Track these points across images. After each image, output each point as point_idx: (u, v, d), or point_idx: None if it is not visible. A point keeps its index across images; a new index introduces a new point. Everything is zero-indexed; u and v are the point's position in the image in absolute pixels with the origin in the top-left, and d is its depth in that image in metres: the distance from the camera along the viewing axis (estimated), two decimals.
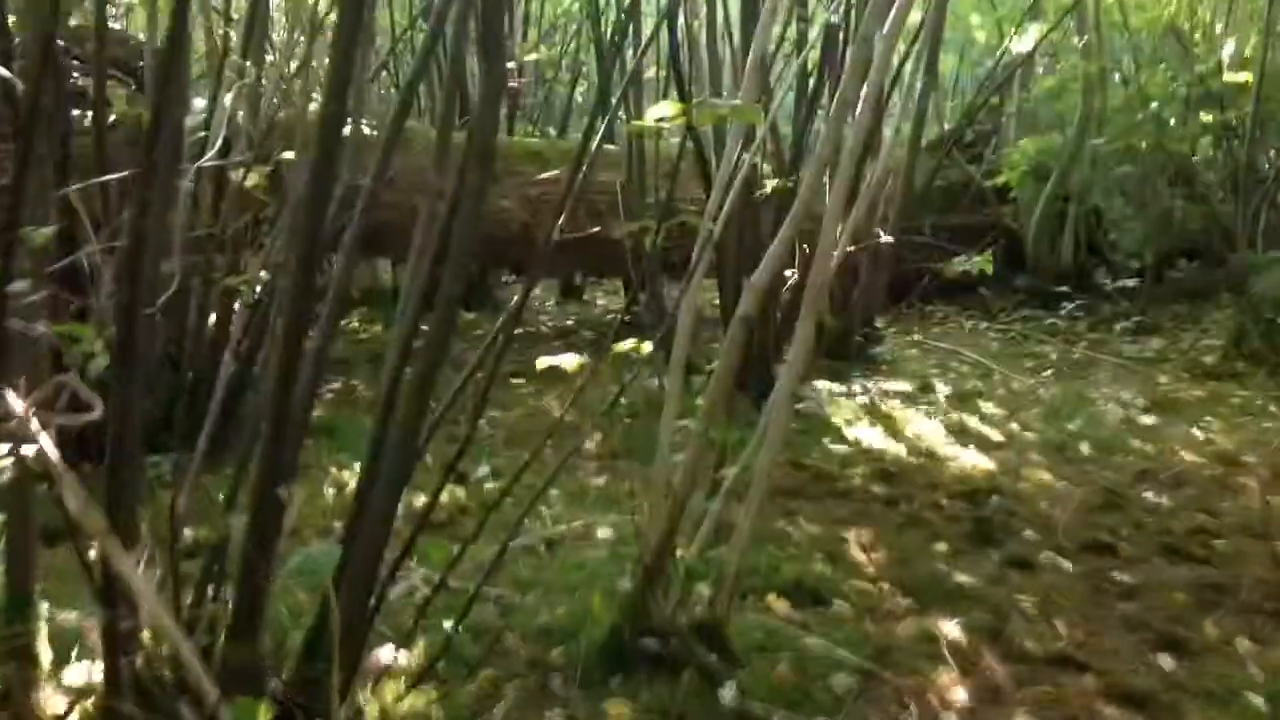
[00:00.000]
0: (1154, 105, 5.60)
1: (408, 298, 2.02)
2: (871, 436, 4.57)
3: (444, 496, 3.73)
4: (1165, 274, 7.19)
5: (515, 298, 2.33)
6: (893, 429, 4.68)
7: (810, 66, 5.11)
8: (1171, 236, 7.14)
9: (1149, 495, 3.70)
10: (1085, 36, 6.62)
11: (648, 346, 2.18)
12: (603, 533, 3.34)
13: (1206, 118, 6.01)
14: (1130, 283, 7.13)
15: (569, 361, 2.02)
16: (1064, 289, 7.23)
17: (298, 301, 1.77)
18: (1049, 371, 5.78)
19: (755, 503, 2.56)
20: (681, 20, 5.84)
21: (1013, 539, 3.35)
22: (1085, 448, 4.32)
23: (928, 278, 7.23)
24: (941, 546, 3.31)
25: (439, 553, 2.62)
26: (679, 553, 2.53)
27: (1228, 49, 5.88)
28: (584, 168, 2.18)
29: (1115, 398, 5.09)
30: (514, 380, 5.30)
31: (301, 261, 1.76)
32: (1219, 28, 6.73)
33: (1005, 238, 7.49)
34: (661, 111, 1.84)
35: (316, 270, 1.78)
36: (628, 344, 2.14)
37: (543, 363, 2.08)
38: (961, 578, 3.04)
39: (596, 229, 5.00)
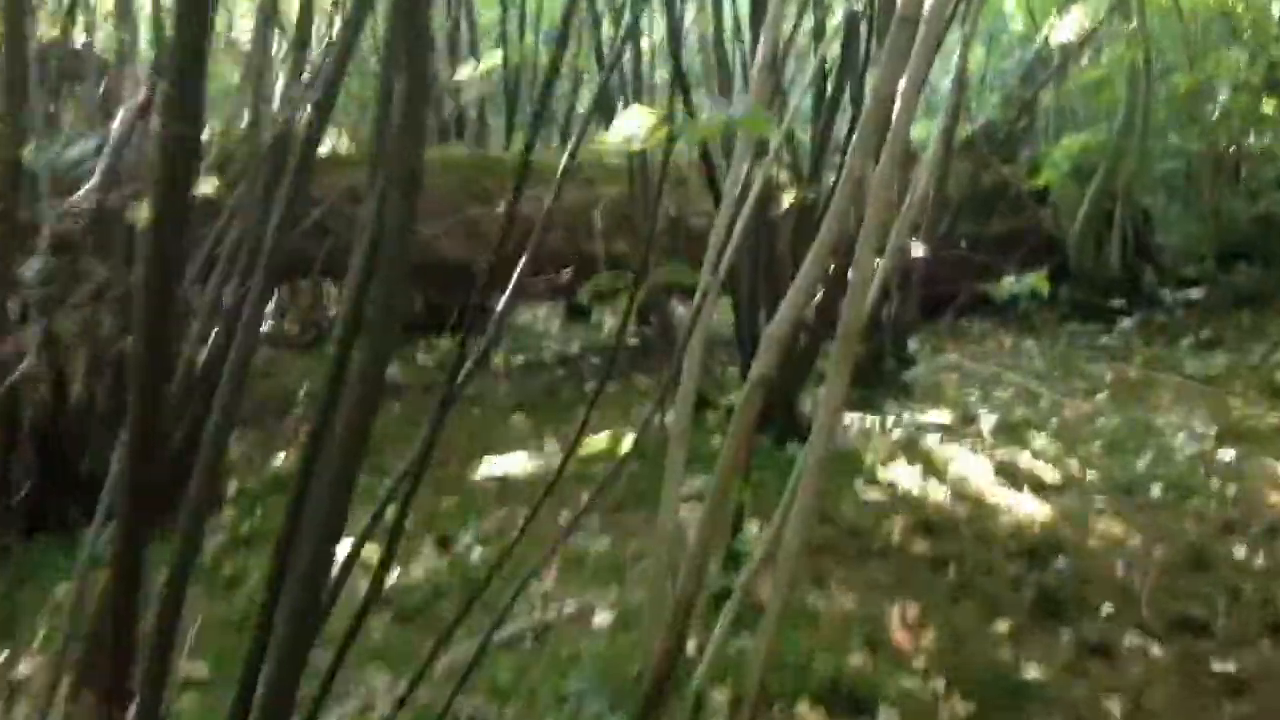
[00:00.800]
0: (1222, 97, 5.08)
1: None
2: (909, 478, 4.10)
3: (422, 571, 3.31)
4: (1222, 279, 6.67)
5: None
6: (933, 468, 4.21)
7: (829, 63, 4.64)
8: (1225, 236, 6.64)
9: (1240, 552, 3.21)
10: (1129, 23, 6.13)
11: (627, 443, 1.72)
12: (602, 616, 2.88)
13: (1269, 107, 5.51)
14: (1188, 291, 6.62)
15: (516, 466, 1.57)
16: (1114, 300, 6.73)
17: (147, 372, 1.33)
18: (1104, 394, 5.28)
19: (783, 590, 2.12)
20: (691, 15, 5.41)
21: (1086, 613, 2.87)
22: (1157, 490, 3.83)
23: (964, 293, 6.77)
24: (1002, 625, 2.84)
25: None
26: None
27: None
28: (522, 188, 1.71)
29: (1184, 426, 4.59)
30: (515, 414, 4.85)
31: (148, 329, 1.32)
32: (1276, 11, 6.22)
33: (1046, 245, 7.00)
34: (630, 127, 1.38)
35: (168, 334, 1.35)
36: (600, 439, 1.69)
37: (485, 471, 1.63)
38: (1030, 670, 2.57)
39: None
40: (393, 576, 2.78)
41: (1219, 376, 5.34)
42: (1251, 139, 6.11)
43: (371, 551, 1.52)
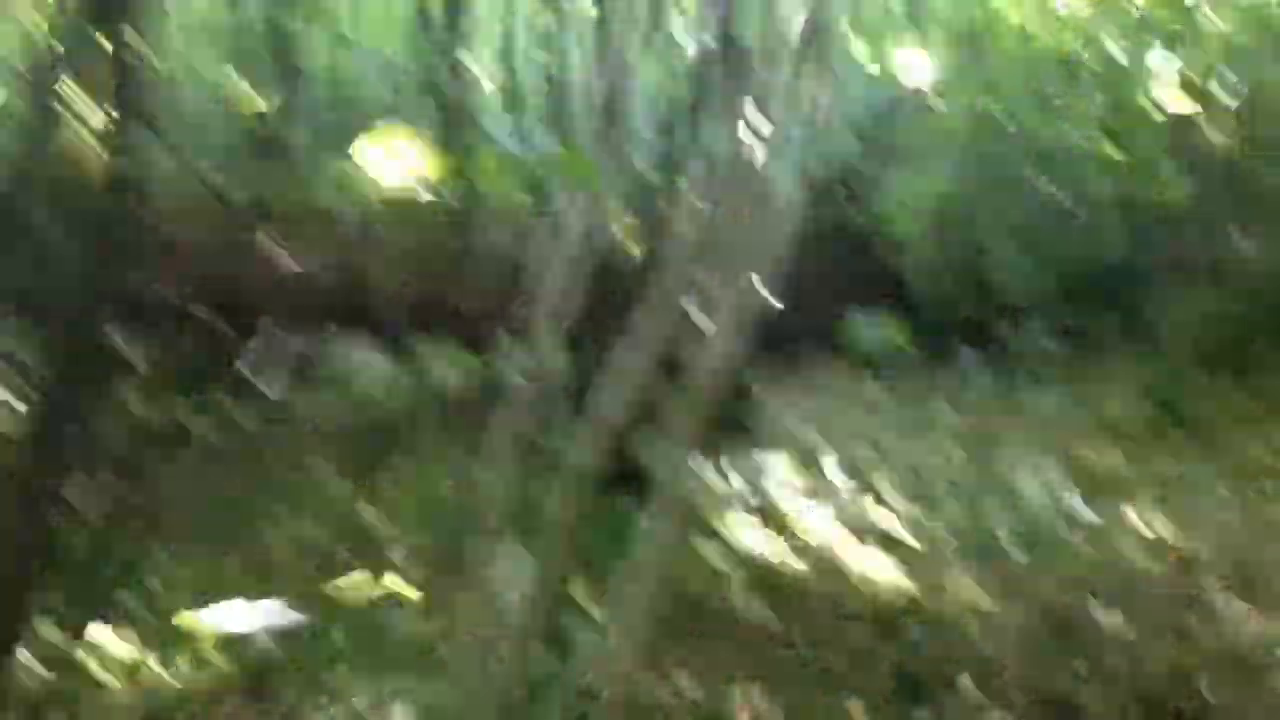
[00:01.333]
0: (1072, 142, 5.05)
1: None
2: (753, 535, 3.85)
3: (199, 668, 2.82)
4: (1064, 319, 6.67)
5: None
6: (779, 524, 3.96)
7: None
8: (1068, 279, 6.66)
9: (1104, 618, 3.03)
10: (978, 66, 6.12)
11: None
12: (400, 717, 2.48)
13: (1113, 152, 5.53)
14: (1032, 332, 6.61)
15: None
16: (960, 341, 6.67)
17: None
18: (953, 438, 5.15)
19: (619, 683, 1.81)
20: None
21: (947, 692, 2.62)
22: (1013, 548, 3.65)
23: (811, 334, 6.61)
24: (857, 708, 2.56)
25: None
26: None
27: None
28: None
29: (1035, 473, 4.46)
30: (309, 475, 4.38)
31: None
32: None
33: (894, 285, 6.92)
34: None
35: None
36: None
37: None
38: None
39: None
40: None
41: (1064, 418, 5.28)
42: (1094, 183, 6.14)
43: None
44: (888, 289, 6.91)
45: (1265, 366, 5.56)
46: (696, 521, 3.93)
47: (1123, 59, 5.70)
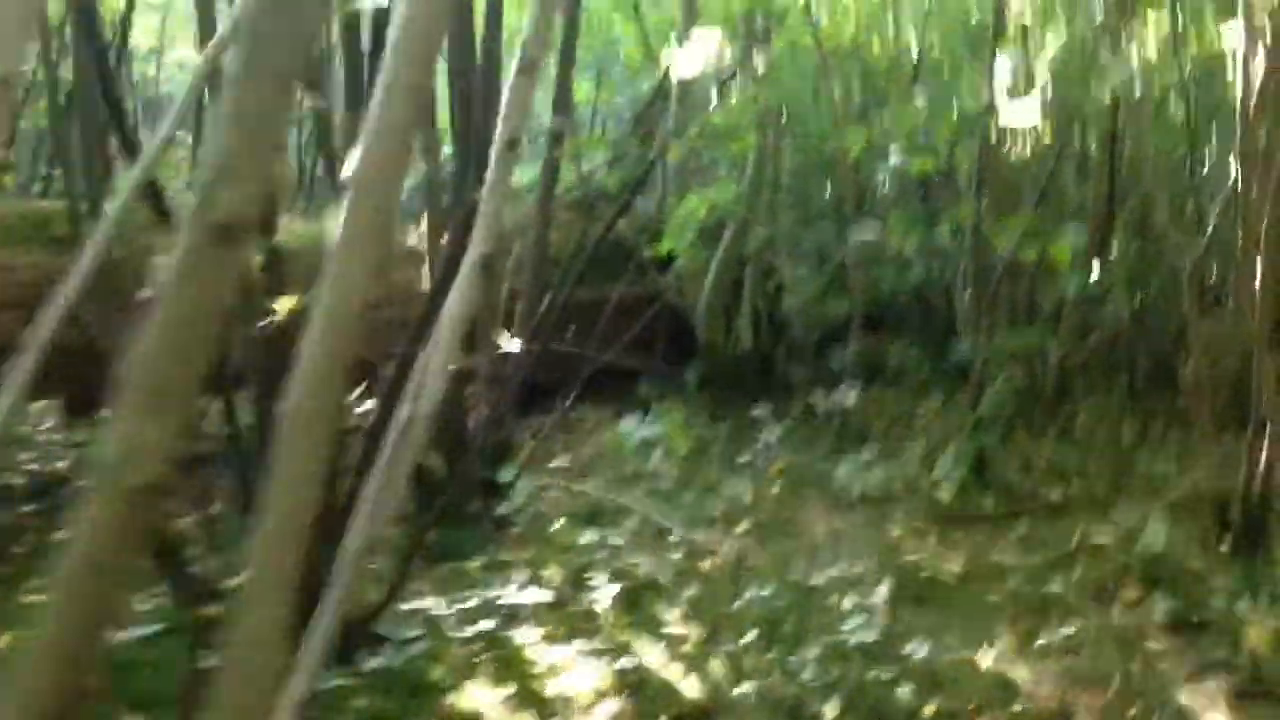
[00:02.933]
0: (893, 159, 4.21)
1: None
2: (495, 709, 2.85)
3: None
4: (863, 354, 5.94)
5: None
6: (528, 688, 2.98)
7: None
8: (867, 307, 5.95)
9: None
10: (759, 60, 5.28)
11: None
12: None
13: (921, 163, 4.78)
14: (828, 373, 5.87)
15: None
16: (746, 382, 5.85)
17: None
18: (747, 523, 4.29)
19: None
20: None
21: None
22: (832, 710, 2.80)
23: (576, 376, 5.63)
24: None
25: None
26: None
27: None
28: None
29: (849, 580, 3.64)
30: None
31: None
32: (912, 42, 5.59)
33: (670, 316, 6.04)
34: None
35: None
36: None
37: None
38: None
39: None
40: None
41: (876, 493, 4.50)
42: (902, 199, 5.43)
43: None
44: (666, 319, 6.04)
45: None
46: (422, 693, 2.93)
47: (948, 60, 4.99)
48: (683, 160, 5.73)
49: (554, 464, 5.21)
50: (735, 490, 4.64)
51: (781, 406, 5.68)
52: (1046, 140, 4.22)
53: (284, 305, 2.59)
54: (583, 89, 6.45)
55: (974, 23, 4.80)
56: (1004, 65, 3.50)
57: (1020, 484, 4.40)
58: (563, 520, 4.34)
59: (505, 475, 4.41)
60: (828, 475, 4.70)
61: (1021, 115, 3.25)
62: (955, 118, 4.27)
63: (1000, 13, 4.49)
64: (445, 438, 4.33)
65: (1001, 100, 3.44)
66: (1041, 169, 4.72)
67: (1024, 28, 4.31)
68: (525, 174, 4.68)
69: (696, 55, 4.70)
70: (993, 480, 4.42)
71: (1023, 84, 3.55)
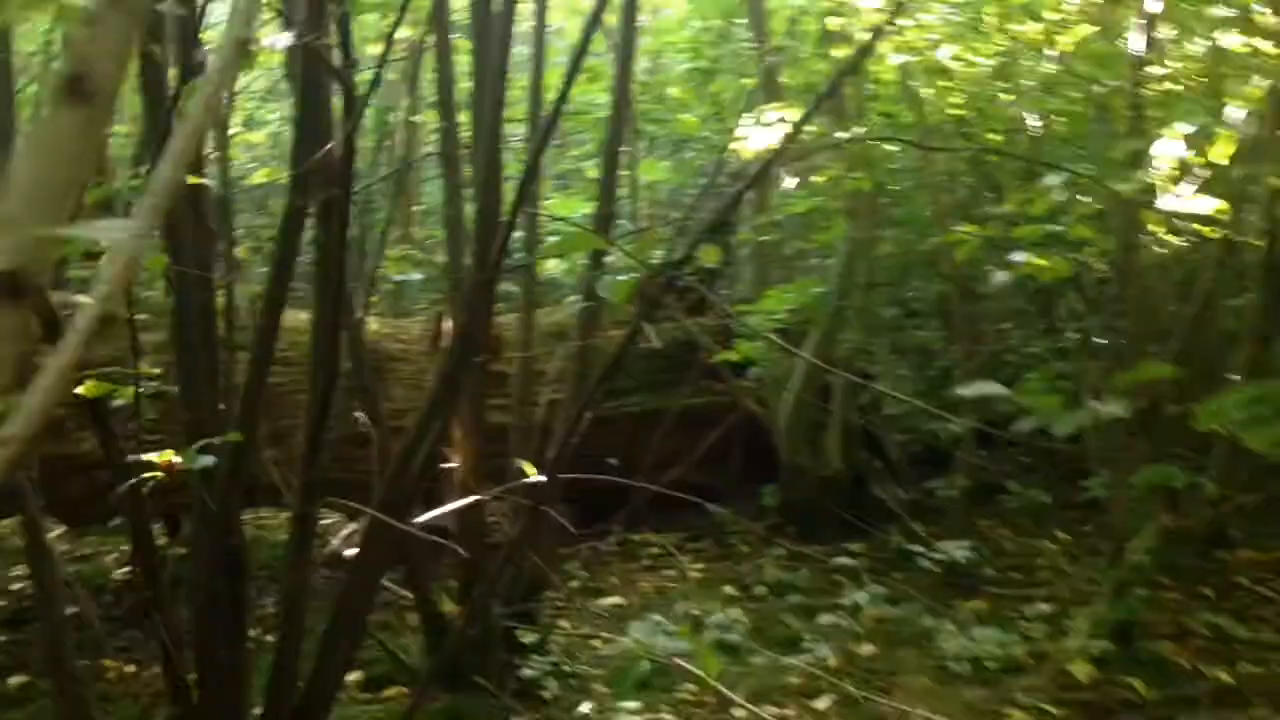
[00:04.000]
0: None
1: None
2: None
3: None
4: (971, 468, 5.11)
5: None
6: None
7: None
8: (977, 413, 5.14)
9: None
10: (850, 131, 4.60)
11: None
12: None
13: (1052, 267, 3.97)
14: (930, 492, 5.08)
15: None
16: (833, 505, 5.08)
17: None
18: (827, 700, 3.51)
19: None
20: None
21: None
22: None
23: (635, 495, 4.92)
24: None
25: None
26: None
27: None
28: None
29: None
30: None
31: None
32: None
33: (746, 429, 5.32)
34: None
35: None
36: None
37: None
38: None
39: None
40: None
41: (991, 663, 3.68)
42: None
43: None
44: (742, 432, 5.32)
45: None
46: None
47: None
48: (762, 251, 5.06)
49: (606, 601, 4.50)
50: (817, 649, 3.87)
51: (875, 540, 4.90)
52: (1208, 233, 3.44)
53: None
54: (655, 169, 5.84)
55: (1107, 90, 4.05)
56: (1170, 140, 2.78)
57: (1176, 660, 3.54)
58: (602, 685, 3.61)
59: (532, 628, 3.69)
60: (930, 635, 3.89)
61: (1190, 201, 2.53)
62: (1090, 207, 3.52)
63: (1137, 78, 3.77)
64: (461, 573, 3.67)
65: (1160, 183, 2.72)
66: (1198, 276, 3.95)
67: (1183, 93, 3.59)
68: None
69: (773, 131, 4.03)
70: (1141, 653, 3.57)
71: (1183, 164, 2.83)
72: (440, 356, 2.94)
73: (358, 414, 3.44)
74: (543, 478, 3.35)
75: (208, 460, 2.16)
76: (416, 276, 5.33)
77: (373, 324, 4.79)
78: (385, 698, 3.64)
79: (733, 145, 4.63)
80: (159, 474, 2.14)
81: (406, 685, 3.63)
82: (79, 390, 2.12)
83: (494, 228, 2.97)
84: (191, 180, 2.36)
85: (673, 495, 4.57)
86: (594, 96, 5.22)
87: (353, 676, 3.61)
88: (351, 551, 3.11)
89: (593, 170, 4.51)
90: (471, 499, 3.15)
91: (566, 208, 5.04)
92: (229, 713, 2.65)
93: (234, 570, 2.59)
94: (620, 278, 2.96)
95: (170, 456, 2.13)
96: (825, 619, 4.16)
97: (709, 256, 2.93)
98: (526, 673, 3.56)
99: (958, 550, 4.30)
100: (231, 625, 2.63)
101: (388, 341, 4.75)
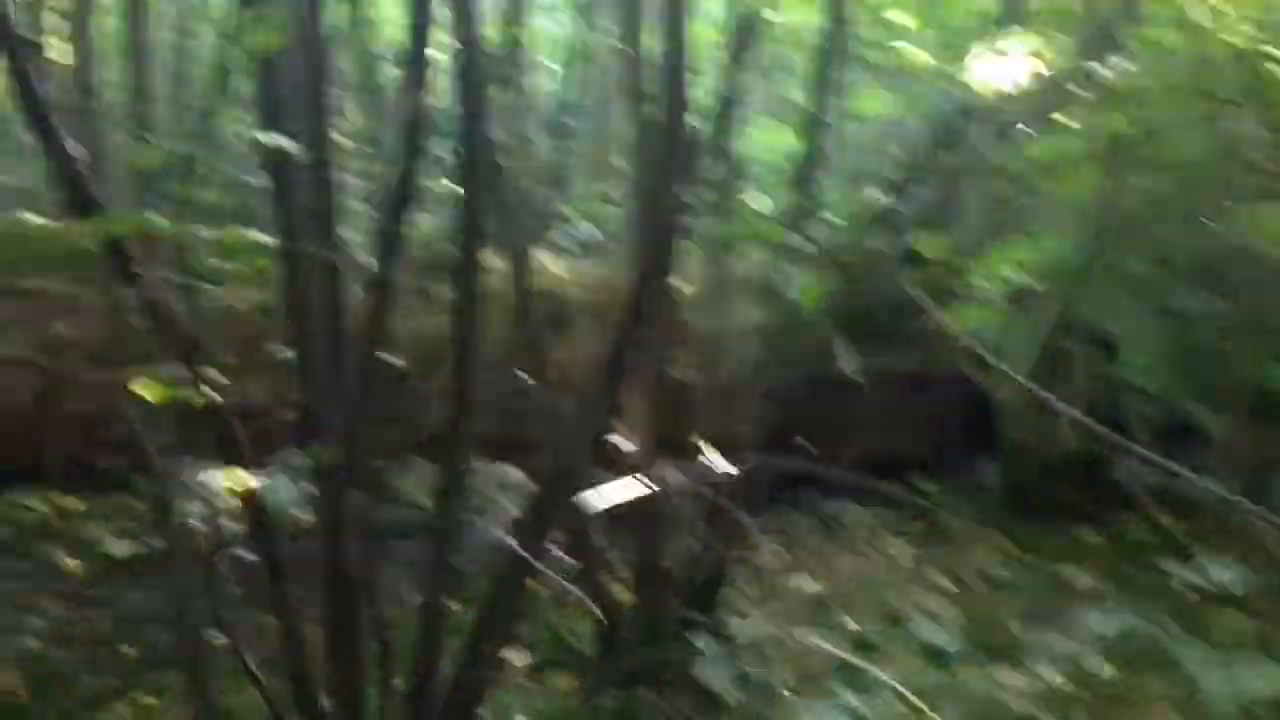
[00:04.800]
0: None
1: None
2: None
3: None
4: (1237, 447, 4.40)
5: None
6: None
7: None
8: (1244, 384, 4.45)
9: None
10: (1108, 69, 3.93)
11: None
12: None
13: None
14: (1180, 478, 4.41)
15: None
16: (1064, 490, 4.49)
17: None
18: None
19: None
20: None
21: None
22: None
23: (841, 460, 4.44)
24: None
25: None
26: None
27: None
28: None
29: None
30: None
31: None
32: None
33: (964, 398, 4.76)
34: None
35: None
36: None
37: None
38: None
39: None
40: None
41: (1263, 712, 3.08)
42: None
43: None
44: (960, 401, 4.76)
45: None
46: None
47: None
48: (991, 202, 4.46)
49: (799, 585, 4.08)
50: (1041, 666, 3.34)
51: (1112, 533, 4.30)
52: None
53: None
54: (872, 102, 5.28)
55: None
56: None
57: None
58: (789, 692, 3.20)
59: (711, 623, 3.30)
60: (1181, 662, 3.31)
61: None
62: None
63: None
64: (637, 558, 3.31)
65: None
66: None
67: None
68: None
69: (1012, 63, 3.45)
70: None
71: None
72: (618, 309, 2.55)
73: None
74: (729, 467, 2.97)
75: (281, 493, 1.84)
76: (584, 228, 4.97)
77: (553, 266, 4.46)
78: (551, 685, 3.33)
79: (965, 78, 4.08)
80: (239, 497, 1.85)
81: (575, 674, 3.33)
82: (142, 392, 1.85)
83: (679, 164, 2.58)
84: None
85: (878, 467, 4.12)
86: (804, 19, 4.70)
87: (520, 659, 3.33)
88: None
89: (799, 100, 4.02)
90: (648, 481, 2.79)
91: (770, 140, 4.58)
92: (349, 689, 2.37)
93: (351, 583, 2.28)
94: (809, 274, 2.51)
95: (248, 484, 1.83)
96: (1051, 626, 3.62)
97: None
98: (706, 674, 3.18)
99: (1217, 563, 3.67)
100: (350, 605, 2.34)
101: (570, 288, 4.41)
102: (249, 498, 1.86)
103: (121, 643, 3.47)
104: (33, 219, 2.77)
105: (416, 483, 4.27)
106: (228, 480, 1.86)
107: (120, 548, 4.09)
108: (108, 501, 4.30)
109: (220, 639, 2.42)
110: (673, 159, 2.59)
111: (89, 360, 3.46)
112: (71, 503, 4.33)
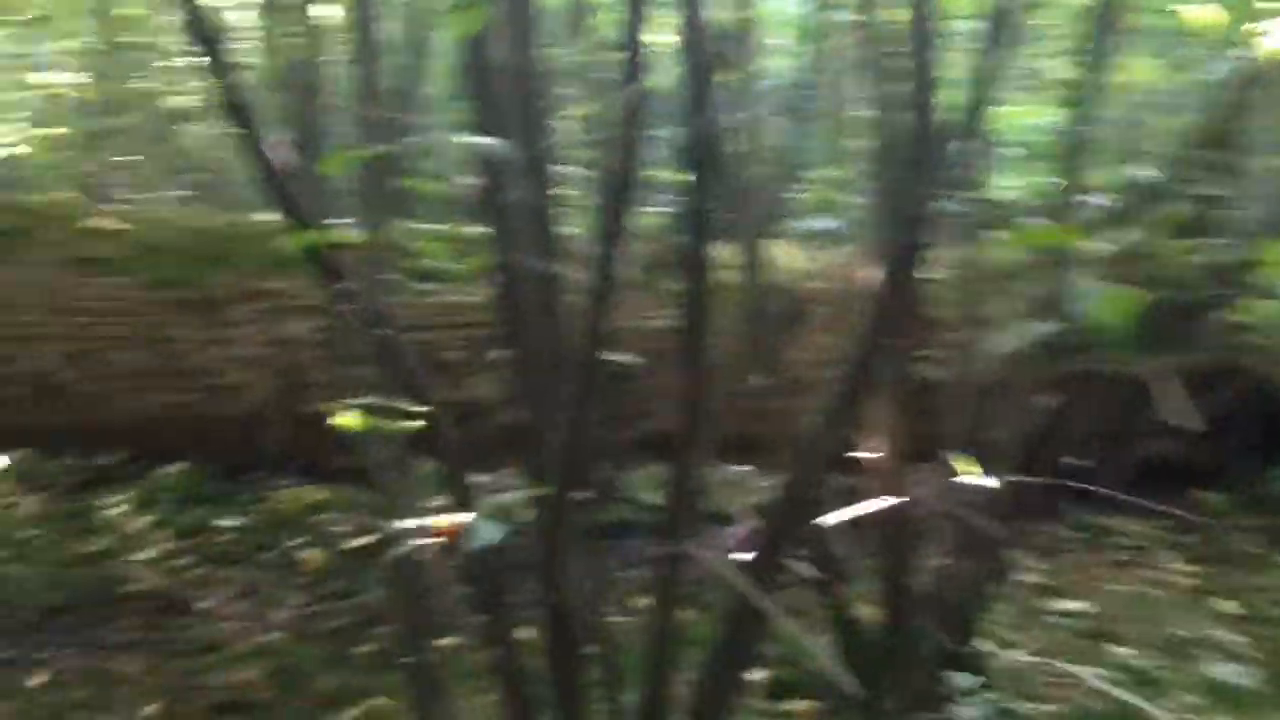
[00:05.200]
0: None
1: None
2: None
3: None
4: None
5: None
6: None
7: None
8: None
9: None
10: None
11: None
12: None
13: None
14: None
15: None
16: None
17: None
18: None
19: None
20: None
21: None
22: None
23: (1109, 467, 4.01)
24: None
25: None
26: None
27: None
28: None
29: None
30: None
31: None
32: None
33: (1247, 399, 4.23)
34: None
35: None
36: None
37: None
38: None
39: None
40: None
41: None
42: None
43: None
44: (1244, 402, 4.23)
45: None
46: None
47: None
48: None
49: (1065, 605, 3.70)
50: None
51: None
52: None
53: None
54: (1142, 69, 4.77)
55: None
56: None
57: None
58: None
59: (966, 652, 2.99)
60: None
61: None
62: None
63: None
64: (884, 576, 3.03)
65: None
66: None
67: None
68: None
69: None
70: None
71: None
72: (859, 306, 2.31)
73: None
74: (986, 478, 2.67)
75: (485, 535, 1.68)
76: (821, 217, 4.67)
77: (786, 256, 4.21)
78: (789, 710, 3.11)
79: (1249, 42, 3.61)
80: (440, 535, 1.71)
81: (814, 697, 3.10)
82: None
83: (928, 148, 2.31)
84: None
85: (1156, 474, 3.69)
86: None
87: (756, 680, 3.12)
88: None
89: (1061, 69, 3.64)
90: (896, 494, 2.53)
91: (1026, 116, 4.18)
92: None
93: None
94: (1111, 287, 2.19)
95: (449, 523, 1.68)
96: None
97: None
98: (961, 709, 2.88)
99: None
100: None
101: (806, 281, 4.15)
102: (453, 534, 1.73)
103: (359, 640, 3.49)
104: (268, 217, 2.76)
105: (644, 485, 4.15)
106: (436, 525, 1.74)
107: (358, 540, 4.14)
108: (345, 493, 4.38)
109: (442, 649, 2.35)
110: (922, 142, 2.33)
111: (323, 359, 3.47)
112: (311, 493, 4.43)
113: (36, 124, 4.37)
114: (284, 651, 3.43)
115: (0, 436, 3.83)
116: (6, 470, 4.55)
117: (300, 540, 4.16)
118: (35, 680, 3.24)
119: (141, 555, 4.07)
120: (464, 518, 1.71)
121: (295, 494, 4.40)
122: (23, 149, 4.36)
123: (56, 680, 3.24)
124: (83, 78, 4.51)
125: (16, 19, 4.35)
